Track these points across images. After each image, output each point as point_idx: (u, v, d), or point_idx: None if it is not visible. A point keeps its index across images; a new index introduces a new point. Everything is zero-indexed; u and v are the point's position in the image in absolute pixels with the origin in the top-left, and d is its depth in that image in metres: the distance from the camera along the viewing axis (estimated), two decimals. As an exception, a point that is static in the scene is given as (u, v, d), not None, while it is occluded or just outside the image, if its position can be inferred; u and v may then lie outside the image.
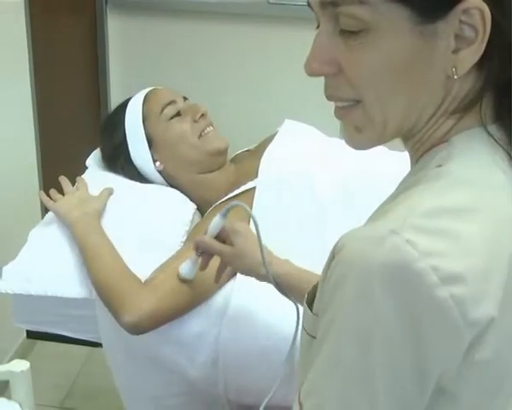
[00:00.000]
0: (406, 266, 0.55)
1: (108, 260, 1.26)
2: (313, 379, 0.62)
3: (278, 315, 1.21)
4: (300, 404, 0.62)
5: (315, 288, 0.72)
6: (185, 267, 1.18)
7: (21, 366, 1.27)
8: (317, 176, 1.41)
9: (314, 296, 0.71)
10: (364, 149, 0.68)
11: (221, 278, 1.18)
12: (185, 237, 1.39)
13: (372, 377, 0.57)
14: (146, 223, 1.39)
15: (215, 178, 1.52)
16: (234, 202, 1.09)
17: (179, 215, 1.44)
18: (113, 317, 1.21)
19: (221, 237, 1.11)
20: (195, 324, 1.25)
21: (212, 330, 1.25)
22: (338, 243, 0.61)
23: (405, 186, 0.66)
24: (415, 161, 0.68)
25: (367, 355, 0.57)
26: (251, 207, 1.35)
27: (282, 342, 1.19)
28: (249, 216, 1.09)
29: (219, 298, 1.26)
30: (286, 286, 1.05)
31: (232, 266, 1.11)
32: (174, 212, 1.44)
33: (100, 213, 1.36)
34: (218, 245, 1.10)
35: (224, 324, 1.24)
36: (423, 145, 0.66)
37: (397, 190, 0.69)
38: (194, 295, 1.23)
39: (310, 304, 0.74)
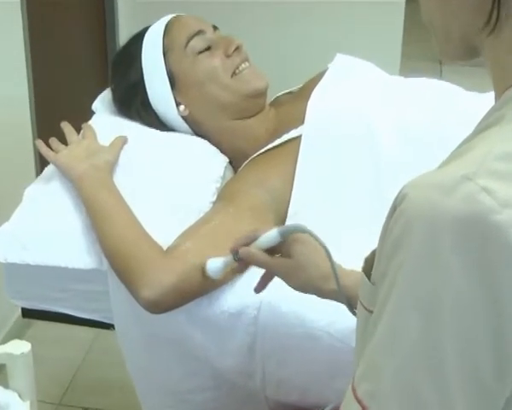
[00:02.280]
0: (482, 218, 0.56)
1: (123, 222, 1.26)
2: (368, 360, 0.62)
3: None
4: (353, 390, 0.63)
5: (374, 253, 0.72)
6: (214, 265, 1.17)
7: (21, 347, 1.26)
8: (376, 121, 1.40)
9: (373, 263, 0.72)
10: (445, 59, 0.75)
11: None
12: (215, 197, 1.39)
13: (440, 355, 0.57)
14: (168, 179, 1.40)
15: (252, 126, 1.52)
16: (299, 226, 1.07)
17: (208, 170, 1.44)
18: (128, 292, 1.22)
19: (273, 248, 1.09)
20: (230, 301, 1.26)
21: (250, 308, 1.25)
22: (400, 192, 0.62)
23: (484, 126, 0.67)
24: (498, 96, 0.68)
25: (433, 327, 0.57)
26: (296, 160, 1.37)
27: (335, 325, 1.21)
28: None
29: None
30: (355, 301, 1.03)
31: (287, 281, 1.09)
32: (202, 166, 1.45)
33: (112, 167, 1.36)
34: (269, 260, 1.08)
35: (264, 301, 1.24)
36: (507, 77, 0.67)
37: (474, 131, 0.69)
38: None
39: (368, 273, 0.74)
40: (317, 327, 1.21)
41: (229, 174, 1.50)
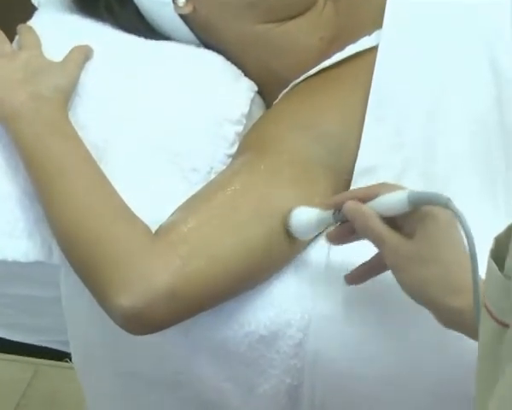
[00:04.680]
0: None
1: (87, 188, 1.27)
2: (504, 396, 0.69)
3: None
4: None
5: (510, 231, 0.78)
6: (302, 220, 1.22)
7: None
8: (499, 26, 1.43)
9: (507, 246, 0.77)
10: None
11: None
12: (235, 147, 1.40)
13: None
14: (158, 118, 1.40)
15: (295, 32, 1.53)
16: (441, 196, 1.08)
17: (224, 104, 1.44)
18: (94, 299, 1.22)
19: (392, 219, 1.13)
20: (259, 316, 1.27)
21: (292, 328, 1.27)
22: None
23: None
24: None
25: None
26: (367, 86, 1.37)
27: (436, 354, 1.23)
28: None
29: (312, 262, 1.27)
30: None
31: (396, 272, 1.13)
32: (214, 97, 1.44)
33: (67, 97, 1.37)
34: (386, 233, 1.12)
35: (314, 317, 1.26)
36: None
37: None
38: (258, 258, 1.24)
39: (501, 261, 0.78)
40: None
41: (258, 111, 1.50)
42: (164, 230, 1.24)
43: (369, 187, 1.16)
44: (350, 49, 1.42)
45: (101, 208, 1.25)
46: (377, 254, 1.17)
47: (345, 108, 1.38)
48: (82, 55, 1.42)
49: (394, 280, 1.16)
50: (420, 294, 1.12)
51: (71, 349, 1.38)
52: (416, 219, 1.10)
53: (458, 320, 1.09)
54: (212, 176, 1.35)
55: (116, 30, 1.52)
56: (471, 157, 1.38)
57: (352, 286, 1.25)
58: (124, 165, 1.34)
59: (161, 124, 1.40)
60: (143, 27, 1.52)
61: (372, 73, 1.38)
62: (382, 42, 1.40)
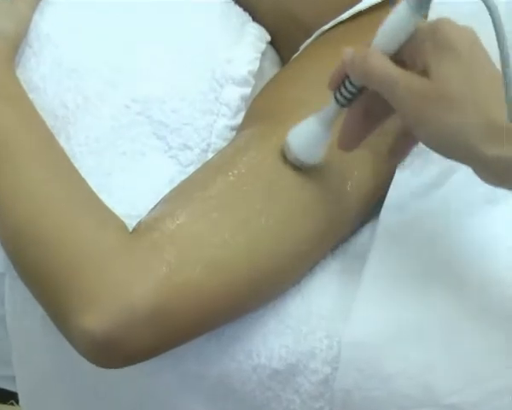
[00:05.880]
0: None
1: (42, 170, 1.26)
2: None
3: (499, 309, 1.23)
4: None
5: None
6: (302, 136, 1.23)
7: None
8: None
9: None
10: None
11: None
12: (240, 116, 1.41)
13: None
14: (139, 77, 1.40)
15: None
16: None
17: (226, 58, 1.44)
18: (51, 320, 1.21)
19: (401, 53, 1.14)
20: (271, 343, 1.27)
21: (316, 360, 1.26)
22: None
23: None
24: None
25: None
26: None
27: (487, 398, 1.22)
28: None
29: (344, 269, 1.31)
30: None
31: (416, 125, 1.12)
32: (213, 50, 1.45)
33: (15, 47, 1.37)
34: (396, 72, 1.11)
35: (346, 343, 1.25)
36: None
37: None
38: (270, 265, 1.23)
39: None
40: (449, 404, 1.23)
41: (272, 68, 1.53)
42: (144, 227, 1.21)
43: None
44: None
45: (60, 198, 1.23)
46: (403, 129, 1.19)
47: None
48: None
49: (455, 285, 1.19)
50: (453, 146, 1.10)
51: (17, 387, 1.39)
52: (429, 57, 1.09)
53: (507, 171, 1.08)
54: (210, 155, 1.34)
55: None
56: None
57: (397, 303, 1.25)
58: (90, 140, 1.34)
59: (142, 85, 1.39)
60: None
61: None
62: None
